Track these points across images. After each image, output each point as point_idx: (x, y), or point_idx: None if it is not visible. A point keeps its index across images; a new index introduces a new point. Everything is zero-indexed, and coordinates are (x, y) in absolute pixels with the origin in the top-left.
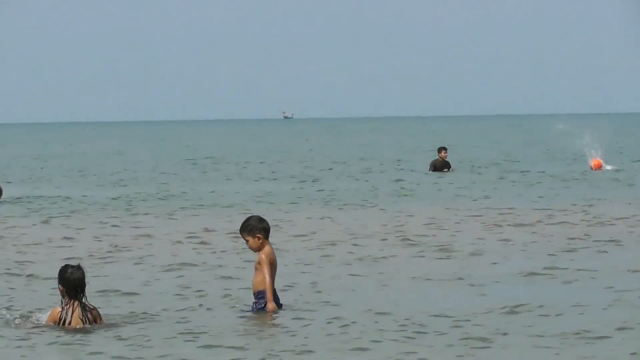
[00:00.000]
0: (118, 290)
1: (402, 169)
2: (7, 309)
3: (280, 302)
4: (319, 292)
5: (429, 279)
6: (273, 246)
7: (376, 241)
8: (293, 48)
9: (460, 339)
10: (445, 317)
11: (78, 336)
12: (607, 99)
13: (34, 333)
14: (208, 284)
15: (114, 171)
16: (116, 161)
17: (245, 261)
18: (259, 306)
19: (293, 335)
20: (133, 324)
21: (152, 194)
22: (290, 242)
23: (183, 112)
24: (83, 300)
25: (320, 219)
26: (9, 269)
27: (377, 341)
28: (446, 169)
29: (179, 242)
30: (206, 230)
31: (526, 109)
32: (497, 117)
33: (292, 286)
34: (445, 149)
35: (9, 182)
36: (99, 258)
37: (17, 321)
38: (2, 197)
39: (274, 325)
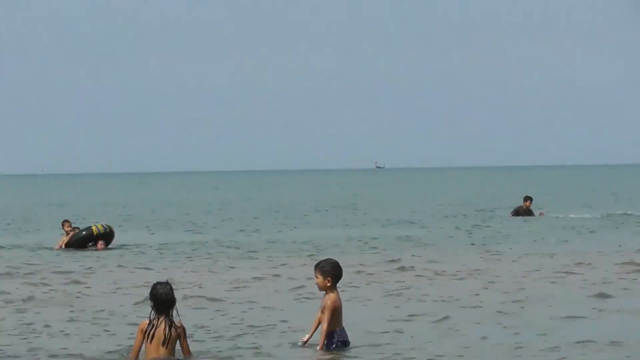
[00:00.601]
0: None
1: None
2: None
3: (349, 339)
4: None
5: None
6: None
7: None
8: (387, 102)
9: None
10: None
11: None
12: None
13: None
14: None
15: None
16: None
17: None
18: (331, 346)
19: None
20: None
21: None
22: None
23: (277, 163)
24: (171, 317)
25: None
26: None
27: None
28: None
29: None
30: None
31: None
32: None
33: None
34: (530, 198)
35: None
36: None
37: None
38: (113, 241)
39: None
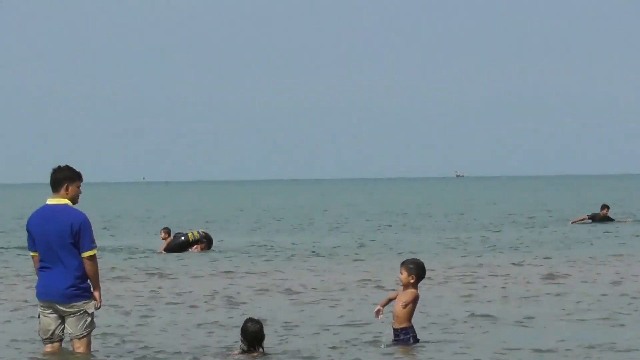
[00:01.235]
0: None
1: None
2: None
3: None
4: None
5: None
6: None
7: None
8: (469, 112)
9: None
10: None
11: None
12: None
13: None
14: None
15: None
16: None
17: None
18: (408, 341)
19: None
20: None
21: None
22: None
23: (355, 171)
24: (260, 350)
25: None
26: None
27: None
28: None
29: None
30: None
31: None
32: None
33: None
34: (607, 207)
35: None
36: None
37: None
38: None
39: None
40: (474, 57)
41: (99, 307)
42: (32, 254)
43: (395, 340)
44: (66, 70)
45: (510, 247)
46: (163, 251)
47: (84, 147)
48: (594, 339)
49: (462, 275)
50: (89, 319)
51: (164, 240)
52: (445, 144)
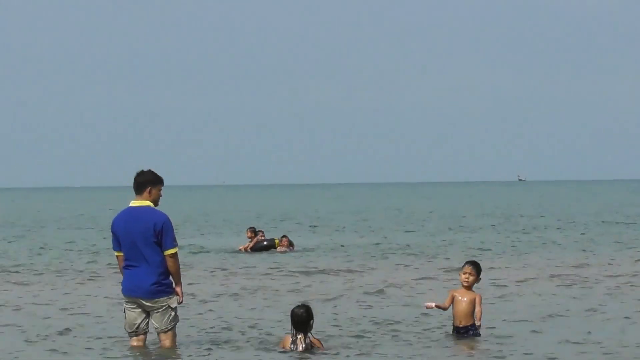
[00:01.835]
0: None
1: None
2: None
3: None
4: None
5: None
6: None
7: None
8: (530, 117)
9: None
10: None
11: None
12: None
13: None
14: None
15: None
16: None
17: None
18: (475, 334)
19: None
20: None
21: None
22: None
23: (417, 175)
24: (307, 334)
25: None
26: None
27: None
28: None
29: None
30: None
31: None
32: None
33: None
34: None
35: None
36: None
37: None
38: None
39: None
40: (532, 60)
41: (181, 302)
42: (116, 253)
43: (461, 334)
44: (145, 83)
45: None
46: (247, 249)
47: (164, 150)
48: None
49: None
50: (173, 313)
51: (249, 239)
52: (508, 149)
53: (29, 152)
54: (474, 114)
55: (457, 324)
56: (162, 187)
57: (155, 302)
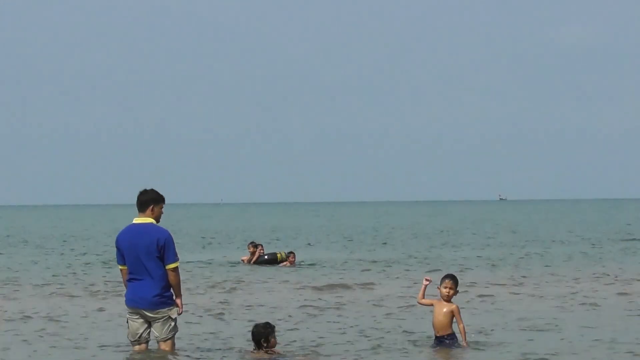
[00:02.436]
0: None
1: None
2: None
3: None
4: None
5: None
6: None
7: None
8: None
9: None
10: None
11: None
12: None
13: None
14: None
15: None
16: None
17: None
18: (453, 345)
19: None
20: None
21: None
22: None
23: (397, 194)
24: (263, 350)
25: None
26: None
27: None
28: None
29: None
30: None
31: None
32: None
33: None
34: None
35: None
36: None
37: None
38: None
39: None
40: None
41: (181, 313)
42: (120, 267)
43: (438, 345)
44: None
45: None
46: (249, 262)
47: (165, 170)
48: None
49: None
50: (173, 323)
51: (250, 253)
52: (489, 169)
53: (21, 169)
54: (457, 136)
55: (436, 333)
56: (164, 205)
57: (157, 313)
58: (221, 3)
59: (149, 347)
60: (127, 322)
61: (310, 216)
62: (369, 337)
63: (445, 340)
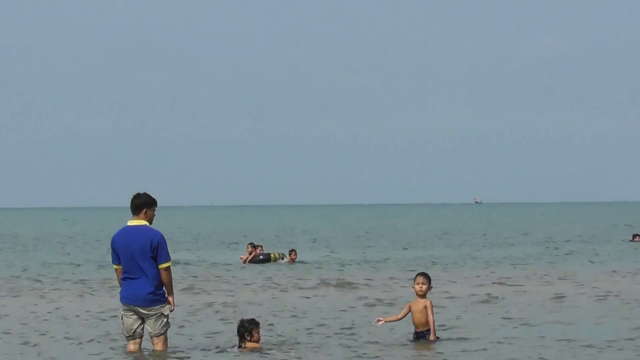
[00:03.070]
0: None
1: None
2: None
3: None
4: None
5: None
6: None
7: None
8: (489, 140)
9: None
10: None
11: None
12: None
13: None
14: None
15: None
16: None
17: None
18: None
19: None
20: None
21: None
22: None
23: (375, 197)
24: (244, 343)
25: None
26: None
27: None
28: None
29: None
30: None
31: None
32: None
33: None
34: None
35: None
36: None
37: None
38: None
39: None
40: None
41: (173, 310)
42: (115, 266)
43: (418, 339)
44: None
45: None
46: (246, 261)
47: (160, 172)
48: None
49: None
50: (165, 319)
51: (248, 253)
52: (465, 173)
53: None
54: (434, 141)
55: (416, 329)
56: (156, 208)
57: (150, 310)
58: (221, 3)
59: (143, 345)
60: (122, 318)
61: (296, 218)
62: (346, 331)
63: (426, 335)
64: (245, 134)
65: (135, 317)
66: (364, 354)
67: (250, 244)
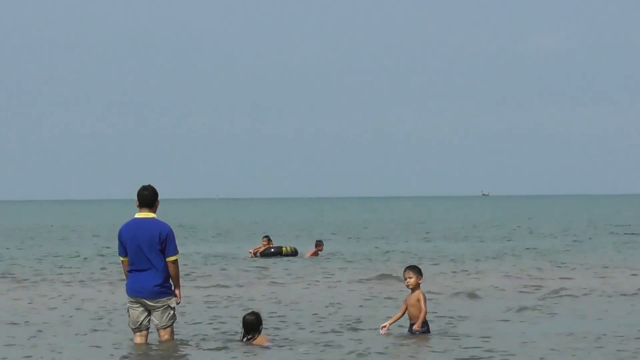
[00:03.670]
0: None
1: None
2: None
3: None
4: None
5: None
6: None
7: None
8: (494, 134)
9: None
10: None
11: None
12: None
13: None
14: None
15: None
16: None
17: None
18: (424, 332)
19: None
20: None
21: None
22: None
23: (382, 189)
24: (251, 337)
25: None
26: None
27: None
28: None
29: None
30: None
31: None
32: None
33: None
34: None
35: None
36: None
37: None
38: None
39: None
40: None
41: (179, 303)
42: (122, 258)
43: (418, 330)
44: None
45: None
46: (256, 254)
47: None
48: None
49: None
50: (172, 312)
51: (263, 246)
52: (472, 166)
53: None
54: (441, 133)
55: (411, 322)
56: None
57: (157, 302)
58: (221, 3)
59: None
60: (128, 310)
61: (300, 211)
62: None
63: (423, 326)
64: (250, 130)
65: (141, 309)
66: (368, 348)
67: (265, 236)
